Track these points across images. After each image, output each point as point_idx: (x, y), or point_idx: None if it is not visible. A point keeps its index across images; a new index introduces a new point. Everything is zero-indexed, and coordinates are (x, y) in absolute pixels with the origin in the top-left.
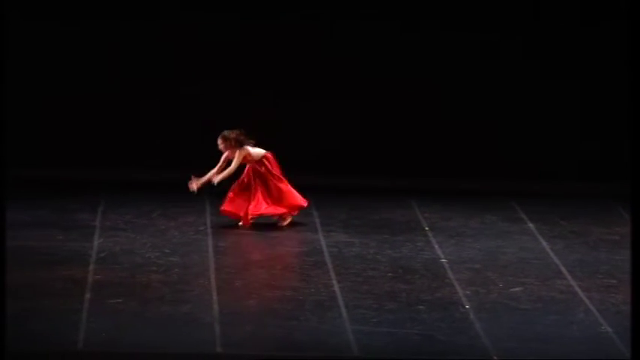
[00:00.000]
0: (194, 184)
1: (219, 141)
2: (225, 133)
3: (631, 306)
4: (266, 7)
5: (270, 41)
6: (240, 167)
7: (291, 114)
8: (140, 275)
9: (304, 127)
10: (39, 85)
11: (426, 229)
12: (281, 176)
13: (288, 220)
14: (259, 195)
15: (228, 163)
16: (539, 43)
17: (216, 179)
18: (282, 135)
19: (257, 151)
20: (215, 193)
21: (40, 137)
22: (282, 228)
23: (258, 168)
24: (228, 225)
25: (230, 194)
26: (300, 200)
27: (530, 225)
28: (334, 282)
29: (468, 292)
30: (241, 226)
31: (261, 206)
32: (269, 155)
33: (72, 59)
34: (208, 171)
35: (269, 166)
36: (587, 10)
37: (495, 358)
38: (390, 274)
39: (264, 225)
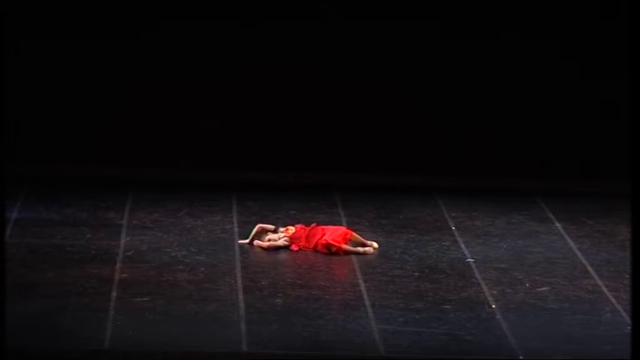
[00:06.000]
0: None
1: (267, 230)
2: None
3: (631, 306)
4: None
5: (292, 41)
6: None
7: (318, 112)
8: (167, 274)
9: (329, 126)
10: (70, 82)
11: (453, 228)
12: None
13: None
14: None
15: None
16: (579, 43)
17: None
18: (308, 133)
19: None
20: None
21: (69, 135)
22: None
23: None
24: (254, 224)
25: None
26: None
27: (558, 224)
28: (360, 281)
29: (495, 292)
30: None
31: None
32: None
33: (105, 54)
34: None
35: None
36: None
37: (522, 358)
38: (416, 274)
39: None
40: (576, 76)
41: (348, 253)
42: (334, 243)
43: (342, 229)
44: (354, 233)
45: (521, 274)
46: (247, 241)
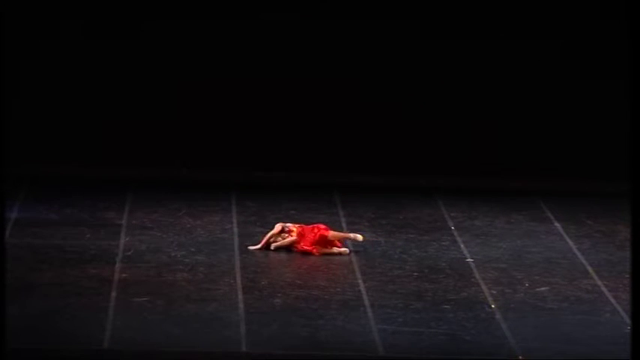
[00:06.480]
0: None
1: (280, 229)
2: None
3: (631, 306)
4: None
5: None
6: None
7: (317, 112)
8: (166, 274)
9: (329, 126)
10: (70, 82)
11: (453, 228)
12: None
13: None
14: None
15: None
16: (579, 43)
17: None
18: (308, 133)
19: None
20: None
21: (69, 135)
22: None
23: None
24: (253, 224)
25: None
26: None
27: (557, 224)
28: (360, 281)
29: (494, 292)
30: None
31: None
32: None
33: (105, 54)
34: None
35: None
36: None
37: (521, 357)
38: (415, 274)
39: None
40: (576, 76)
41: (324, 254)
42: (308, 250)
43: (317, 232)
44: (329, 233)
45: (521, 274)
46: (258, 247)
